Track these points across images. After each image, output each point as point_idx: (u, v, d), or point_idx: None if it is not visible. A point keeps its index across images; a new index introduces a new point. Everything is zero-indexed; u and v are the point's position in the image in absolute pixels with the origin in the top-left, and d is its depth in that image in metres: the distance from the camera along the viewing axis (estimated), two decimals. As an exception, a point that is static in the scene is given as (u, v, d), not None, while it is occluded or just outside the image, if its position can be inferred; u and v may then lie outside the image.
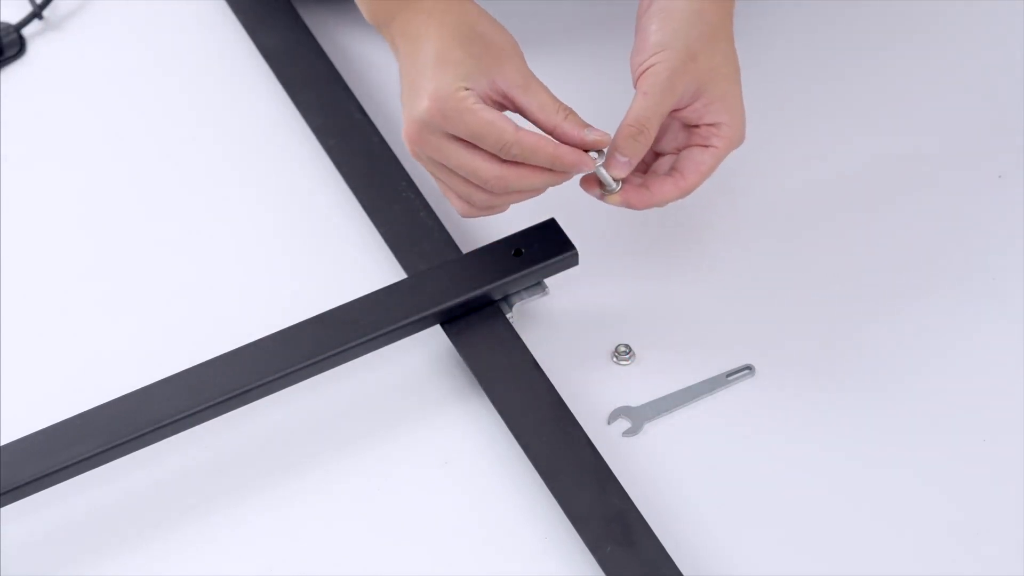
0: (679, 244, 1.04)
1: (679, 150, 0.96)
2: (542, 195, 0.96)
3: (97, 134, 1.16)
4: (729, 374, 0.97)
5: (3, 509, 0.90)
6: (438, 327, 0.97)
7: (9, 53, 1.20)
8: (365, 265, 1.04)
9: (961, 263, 1.02)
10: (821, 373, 0.97)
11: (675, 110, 0.94)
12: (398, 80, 0.94)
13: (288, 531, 0.92)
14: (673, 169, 0.96)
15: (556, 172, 0.92)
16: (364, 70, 1.16)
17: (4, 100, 1.18)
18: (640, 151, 0.93)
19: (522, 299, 0.98)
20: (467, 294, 0.96)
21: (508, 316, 0.97)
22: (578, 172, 0.92)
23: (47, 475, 0.90)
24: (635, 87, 0.94)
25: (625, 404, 0.96)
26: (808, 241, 1.04)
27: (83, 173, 1.13)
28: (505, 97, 0.91)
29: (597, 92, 1.05)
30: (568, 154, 0.91)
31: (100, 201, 1.11)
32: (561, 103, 0.92)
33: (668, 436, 0.95)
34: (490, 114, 0.90)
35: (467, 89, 0.90)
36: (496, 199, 0.93)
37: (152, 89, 1.18)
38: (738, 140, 0.96)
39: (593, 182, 0.93)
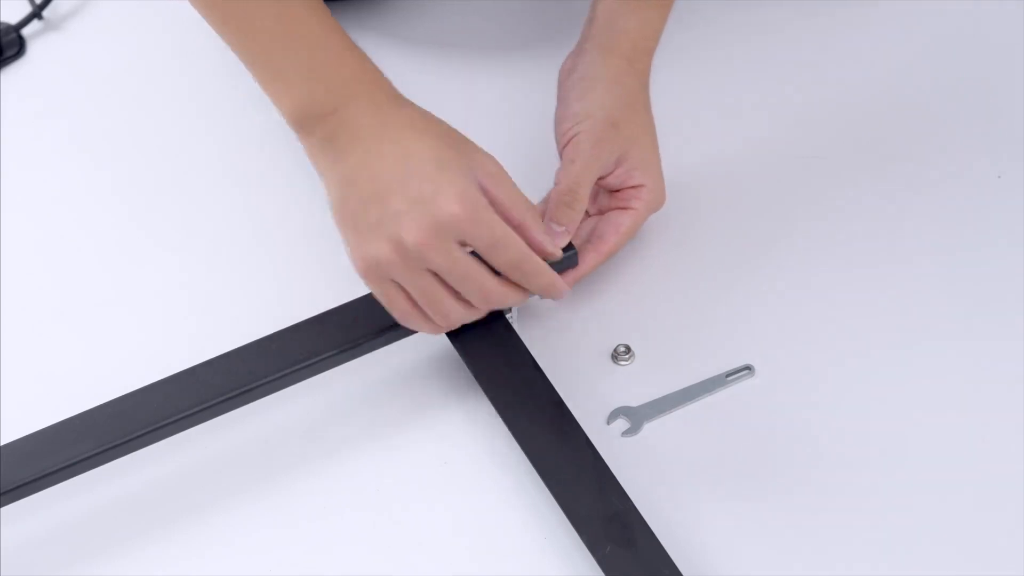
0: (679, 244, 1.04)
1: (600, 212, 1.00)
2: (542, 195, 0.96)
3: (97, 134, 1.16)
4: (729, 374, 0.97)
5: (3, 509, 0.90)
6: (438, 327, 0.97)
7: (9, 53, 1.21)
8: (365, 265, 1.04)
9: (961, 263, 1.02)
10: (821, 373, 0.97)
11: (600, 177, 0.97)
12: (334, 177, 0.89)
13: (288, 531, 0.92)
14: (592, 235, 0.99)
15: (527, 292, 0.91)
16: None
17: (4, 100, 1.18)
18: (576, 218, 0.95)
19: (522, 299, 0.98)
20: (467, 294, 0.96)
21: (508, 316, 0.97)
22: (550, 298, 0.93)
23: (47, 475, 0.90)
24: (560, 154, 0.97)
25: (625, 404, 0.96)
26: (809, 242, 1.04)
27: (83, 173, 1.13)
28: (480, 190, 0.87)
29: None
30: (558, 282, 0.91)
31: (100, 201, 1.11)
32: (524, 196, 0.90)
33: (668, 436, 0.95)
34: (507, 227, 0.87)
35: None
36: (473, 314, 0.91)
37: (152, 89, 1.18)
38: (658, 203, 1.00)
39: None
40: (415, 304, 0.90)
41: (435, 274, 0.87)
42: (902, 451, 0.93)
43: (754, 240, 1.04)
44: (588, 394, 0.96)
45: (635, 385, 0.97)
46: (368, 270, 0.88)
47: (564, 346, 0.99)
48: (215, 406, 0.92)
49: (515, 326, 0.97)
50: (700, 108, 1.13)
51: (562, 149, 0.98)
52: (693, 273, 1.03)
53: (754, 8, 1.18)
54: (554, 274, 0.91)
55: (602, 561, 0.86)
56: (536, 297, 0.98)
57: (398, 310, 0.90)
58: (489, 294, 0.89)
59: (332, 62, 0.90)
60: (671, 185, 1.01)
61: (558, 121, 0.99)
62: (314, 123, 0.89)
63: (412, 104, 0.90)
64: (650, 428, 0.95)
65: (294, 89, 0.90)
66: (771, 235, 1.04)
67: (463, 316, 0.91)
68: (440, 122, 0.90)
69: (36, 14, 1.22)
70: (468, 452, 0.95)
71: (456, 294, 0.89)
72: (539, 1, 1.20)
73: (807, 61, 1.15)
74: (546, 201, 0.99)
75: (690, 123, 1.11)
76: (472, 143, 0.90)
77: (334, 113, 0.89)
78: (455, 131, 0.90)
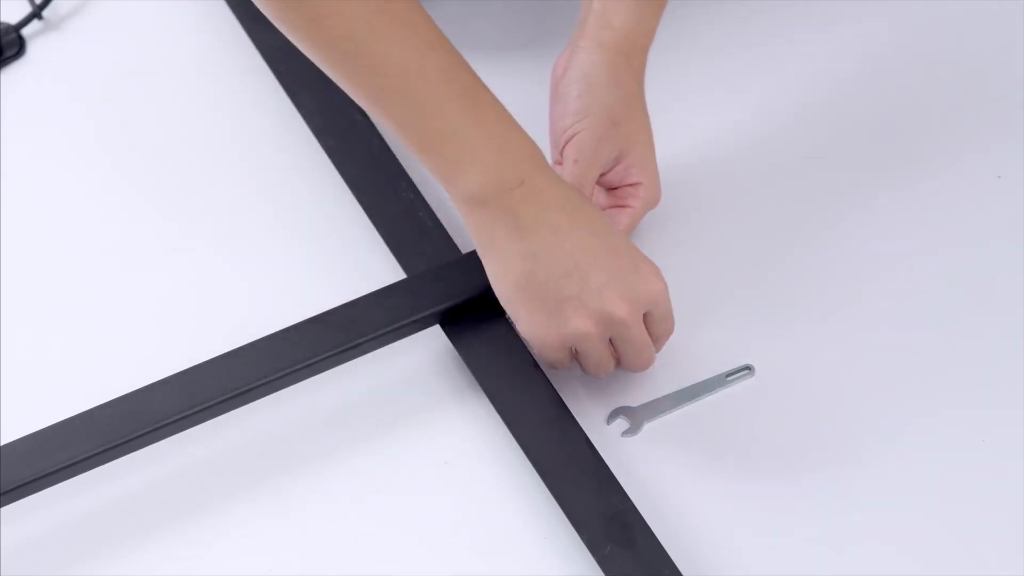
0: (678, 244, 1.04)
1: None
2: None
3: (97, 134, 1.15)
4: (729, 374, 0.97)
5: (3, 509, 0.90)
6: (438, 327, 0.97)
7: (9, 53, 1.21)
8: (365, 265, 1.04)
9: (961, 263, 1.02)
10: (821, 373, 0.97)
11: (600, 175, 0.98)
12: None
13: (288, 531, 0.92)
14: None
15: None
16: (364, 70, 1.16)
17: (4, 100, 1.18)
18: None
19: (522, 299, 0.98)
20: (467, 294, 0.96)
21: (508, 316, 0.97)
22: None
23: (47, 475, 0.90)
24: (559, 153, 0.98)
25: (625, 404, 0.96)
26: (809, 242, 1.04)
27: (83, 173, 1.13)
28: None
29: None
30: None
31: (100, 201, 1.11)
32: None
33: (668, 436, 0.95)
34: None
35: None
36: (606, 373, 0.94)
37: (152, 89, 1.18)
38: (654, 200, 1.01)
39: None
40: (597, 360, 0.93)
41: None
42: (902, 451, 0.93)
43: (753, 240, 1.04)
44: (588, 394, 0.96)
45: (635, 385, 0.97)
46: (562, 343, 0.91)
47: (564, 346, 0.99)
48: (215, 406, 0.92)
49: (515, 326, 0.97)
50: (698, 106, 1.12)
51: (562, 147, 0.98)
52: (693, 273, 1.02)
53: (752, 6, 1.18)
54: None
55: (602, 561, 0.86)
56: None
57: (554, 365, 0.94)
58: (648, 364, 0.94)
59: (515, 136, 0.89)
60: (669, 184, 1.01)
61: (555, 119, 0.99)
62: (497, 198, 0.88)
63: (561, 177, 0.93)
64: (650, 428, 0.95)
65: (480, 162, 0.88)
66: (770, 234, 1.04)
67: (605, 372, 0.95)
68: None
69: (36, 14, 1.22)
70: (468, 452, 0.95)
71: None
72: (539, 1, 1.20)
73: (806, 60, 1.15)
74: None
75: (688, 121, 1.11)
76: None
77: (520, 186, 0.88)
78: None
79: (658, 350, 0.95)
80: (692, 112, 1.12)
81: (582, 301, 0.89)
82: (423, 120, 0.88)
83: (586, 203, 0.91)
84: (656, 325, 0.92)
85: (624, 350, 0.92)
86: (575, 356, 0.93)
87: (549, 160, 0.95)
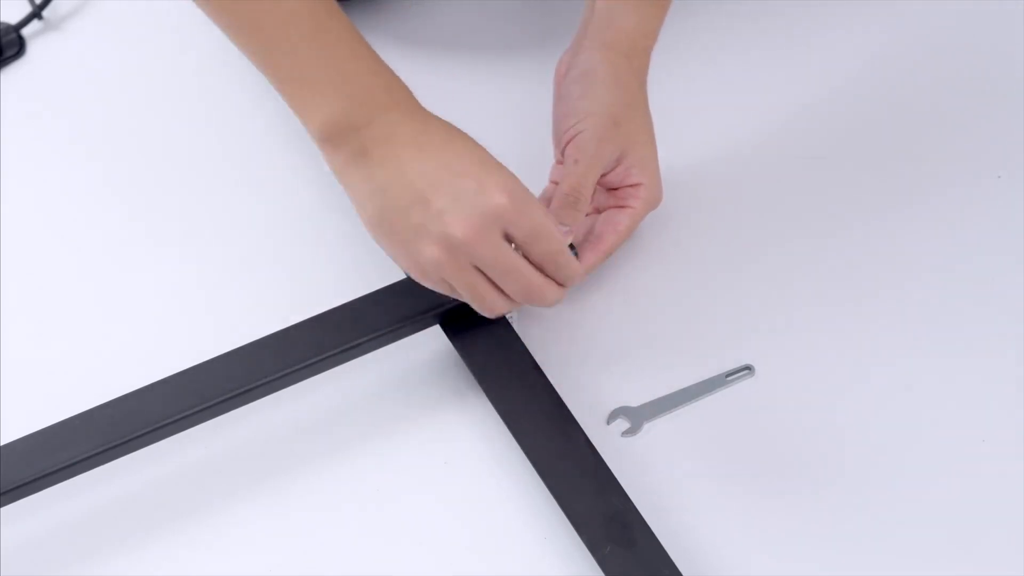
0: (678, 244, 1.04)
1: (598, 211, 1.00)
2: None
3: (97, 134, 1.16)
4: (729, 374, 0.97)
5: (3, 509, 0.90)
6: (438, 327, 0.97)
7: (9, 53, 1.21)
8: (365, 265, 1.04)
9: (961, 262, 1.02)
10: (821, 373, 0.97)
11: (601, 175, 0.97)
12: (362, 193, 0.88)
13: (288, 531, 0.92)
14: (590, 234, 0.99)
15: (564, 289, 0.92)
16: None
17: (4, 100, 1.18)
18: (578, 218, 0.96)
19: (522, 299, 0.98)
20: (467, 294, 0.96)
21: (508, 316, 0.97)
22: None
23: (47, 475, 0.90)
24: (560, 153, 0.97)
25: (625, 404, 0.96)
26: (809, 242, 1.04)
27: (83, 173, 1.13)
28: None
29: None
30: (581, 274, 0.92)
31: (100, 201, 1.11)
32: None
33: (668, 436, 0.95)
34: (546, 216, 0.88)
35: None
36: (509, 307, 0.92)
37: (152, 89, 1.18)
38: (655, 201, 1.00)
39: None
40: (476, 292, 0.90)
41: (479, 270, 0.88)
42: (902, 451, 0.93)
43: (754, 239, 1.04)
44: (588, 394, 0.96)
45: (635, 385, 0.97)
46: (424, 276, 0.89)
47: (564, 346, 0.99)
48: (215, 406, 0.92)
49: (515, 326, 0.97)
50: (698, 106, 1.13)
51: (564, 147, 0.97)
52: (693, 273, 1.03)
53: (753, 7, 1.18)
54: (579, 267, 0.92)
55: (602, 561, 0.86)
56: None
57: (466, 299, 0.91)
58: (531, 287, 0.89)
59: (365, 75, 0.89)
60: (670, 184, 1.01)
61: (558, 118, 0.99)
62: (345, 136, 0.88)
63: (443, 119, 0.90)
64: (650, 428, 0.95)
65: (326, 103, 0.88)
66: (771, 234, 1.04)
67: (505, 309, 0.92)
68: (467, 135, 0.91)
69: (36, 14, 1.22)
70: (468, 452, 0.95)
71: (498, 288, 0.90)
72: (539, 1, 1.20)
73: (806, 60, 1.15)
74: (542, 199, 0.99)
75: (688, 121, 1.11)
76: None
77: (368, 126, 0.88)
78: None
79: (561, 280, 0.91)
80: (692, 112, 1.12)
81: (427, 228, 0.86)
82: (277, 60, 0.89)
83: (440, 132, 0.89)
84: (526, 247, 0.88)
85: (492, 276, 0.88)
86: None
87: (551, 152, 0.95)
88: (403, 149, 0.87)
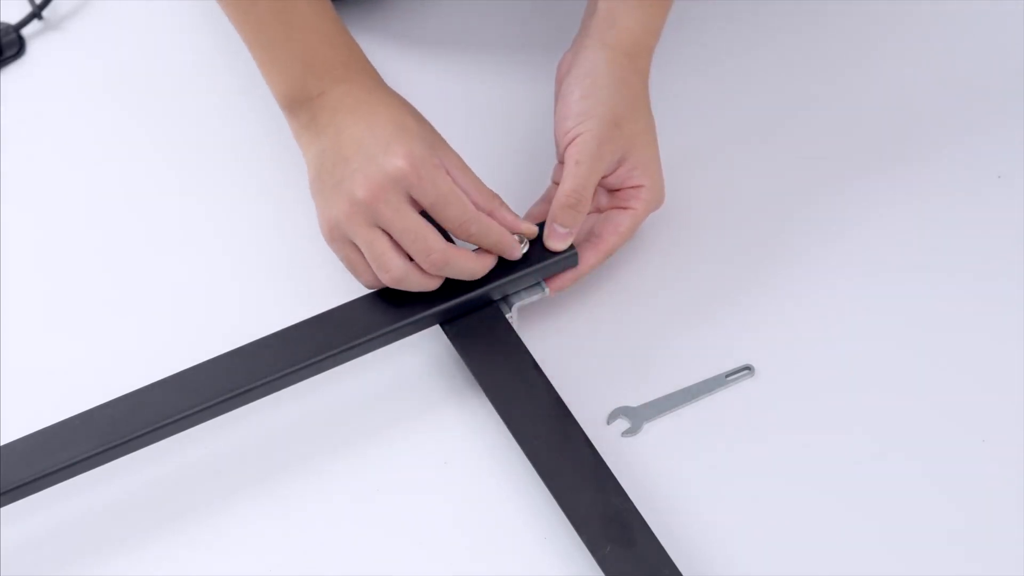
0: (678, 244, 1.04)
1: (599, 211, 1.00)
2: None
3: (96, 134, 1.16)
4: (729, 374, 0.97)
5: (3, 509, 0.90)
6: (437, 327, 0.97)
7: (9, 53, 1.21)
8: (365, 265, 1.03)
9: (961, 263, 1.02)
10: (821, 373, 0.97)
11: (603, 176, 0.97)
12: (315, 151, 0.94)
13: (288, 531, 0.92)
14: (591, 234, 0.99)
15: (487, 258, 0.94)
16: (364, 70, 1.16)
17: (4, 100, 1.18)
18: (579, 220, 0.96)
19: (521, 299, 0.98)
20: (466, 294, 0.96)
21: (508, 316, 0.97)
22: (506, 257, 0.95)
23: (47, 475, 0.89)
24: (561, 153, 0.97)
25: (625, 404, 0.96)
26: (808, 242, 1.04)
27: (83, 173, 1.13)
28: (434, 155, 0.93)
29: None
30: (511, 241, 0.94)
31: (100, 201, 1.11)
32: (487, 187, 0.94)
33: (668, 436, 0.95)
34: (455, 185, 0.92)
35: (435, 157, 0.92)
36: (425, 282, 0.93)
37: (152, 89, 1.18)
38: (656, 203, 1.01)
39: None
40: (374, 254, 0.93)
41: (385, 232, 0.91)
42: (902, 451, 0.93)
43: (754, 240, 1.04)
44: (588, 394, 0.96)
45: (635, 385, 0.97)
46: (331, 232, 0.94)
47: (564, 346, 0.99)
48: (215, 406, 0.92)
49: (515, 326, 0.97)
50: (698, 106, 1.13)
51: (565, 148, 0.97)
52: (693, 273, 1.03)
53: (753, 7, 1.18)
54: (503, 231, 0.94)
55: (602, 561, 0.86)
56: (536, 297, 0.98)
57: (354, 269, 0.95)
58: (432, 252, 0.91)
59: (324, 48, 0.95)
60: (670, 184, 1.01)
61: (560, 119, 0.98)
62: (301, 105, 0.95)
63: (395, 93, 0.96)
64: (650, 428, 0.95)
65: (287, 72, 0.95)
66: (771, 235, 1.04)
67: (410, 276, 0.93)
68: (417, 112, 0.95)
69: (36, 14, 1.22)
70: (468, 452, 0.95)
71: (405, 254, 0.92)
72: (539, 1, 1.20)
73: (806, 61, 1.15)
74: (544, 200, 0.99)
75: (688, 121, 1.11)
76: (442, 137, 0.95)
77: (320, 96, 0.94)
78: (429, 124, 0.95)
79: (488, 247, 0.94)
80: (692, 112, 1.12)
81: (341, 186, 0.91)
82: (250, 27, 0.97)
83: (382, 101, 0.94)
84: (433, 212, 0.91)
85: (395, 238, 0.91)
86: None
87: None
88: (343, 116, 0.93)
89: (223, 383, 0.93)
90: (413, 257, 0.92)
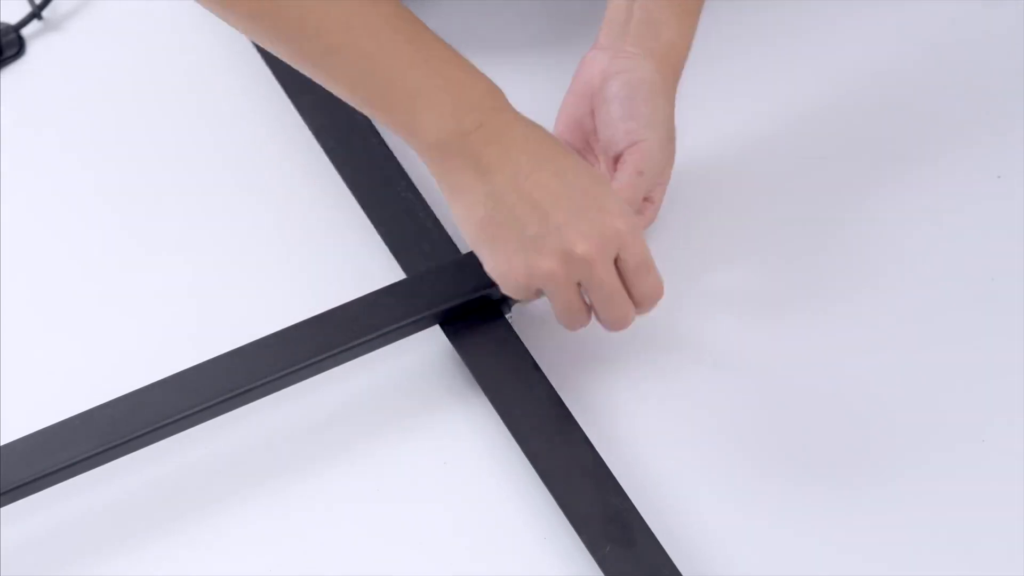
0: (678, 243, 1.04)
1: None
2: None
3: (96, 134, 1.16)
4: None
5: (3, 509, 0.90)
6: (437, 327, 0.97)
7: (8, 53, 1.21)
8: (365, 265, 1.04)
9: (960, 263, 1.02)
10: (821, 373, 0.97)
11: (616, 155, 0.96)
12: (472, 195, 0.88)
13: (288, 532, 0.92)
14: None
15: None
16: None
17: (4, 100, 1.18)
18: (643, 227, 0.97)
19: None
20: (467, 294, 0.96)
21: (508, 316, 0.97)
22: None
23: (47, 475, 0.90)
24: (619, 151, 0.96)
25: (622, 403, 0.96)
26: (809, 242, 1.04)
27: (83, 173, 1.13)
28: None
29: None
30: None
31: (100, 201, 1.11)
32: None
33: (667, 435, 0.95)
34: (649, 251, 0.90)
35: None
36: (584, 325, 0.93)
37: (152, 89, 1.18)
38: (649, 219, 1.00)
39: None
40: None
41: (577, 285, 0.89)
42: (902, 450, 0.93)
43: (754, 239, 1.04)
44: (588, 394, 0.96)
45: (635, 385, 0.97)
46: (530, 283, 0.89)
47: (564, 346, 0.99)
48: (215, 406, 0.92)
49: (515, 326, 0.97)
50: (698, 107, 1.12)
51: (619, 153, 0.96)
52: (693, 273, 1.02)
53: (754, 8, 1.18)
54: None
55: (602, 561, 0.86)
56: (536, 297, 0.98)
57: (556, 310, 0.92)
58: (626, 318, 0.90)
59: (466, 77, 0.88)
60: (671, 183, 1.01)
61: (618, 118, 0.95)
62: (458, 142, 0.87)
63: (526, 117, 0.90)
64: (650, 428, 0.95)
65: (436, 110, 0.86)
66: (771, 234, 1.04)
67: (581, 327, 0.93)
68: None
69: (36, 14, 1.22)
70: (467, 452, 0.95)
71: (588, 308, 0.91)
72: (544, 1, 1.20)
73: (807, 61, 1.15)
74: None
75: (689, 121, 1.10)
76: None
77: (479, 128, 0.87)
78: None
79: (643, 310, 0.92)
80: (692, 113, 1.11)
81: (544, 240, 0.87)
82: (373, 76, 0.86)
83: (549, 140, 0.89)
84: (632, 275, 0.89)
85: (594, 297, 0.89)
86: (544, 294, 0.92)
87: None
88: (517, 155, 0.87)
89: (223, 383, 0.93)
90: (603, 316, 0.91)
